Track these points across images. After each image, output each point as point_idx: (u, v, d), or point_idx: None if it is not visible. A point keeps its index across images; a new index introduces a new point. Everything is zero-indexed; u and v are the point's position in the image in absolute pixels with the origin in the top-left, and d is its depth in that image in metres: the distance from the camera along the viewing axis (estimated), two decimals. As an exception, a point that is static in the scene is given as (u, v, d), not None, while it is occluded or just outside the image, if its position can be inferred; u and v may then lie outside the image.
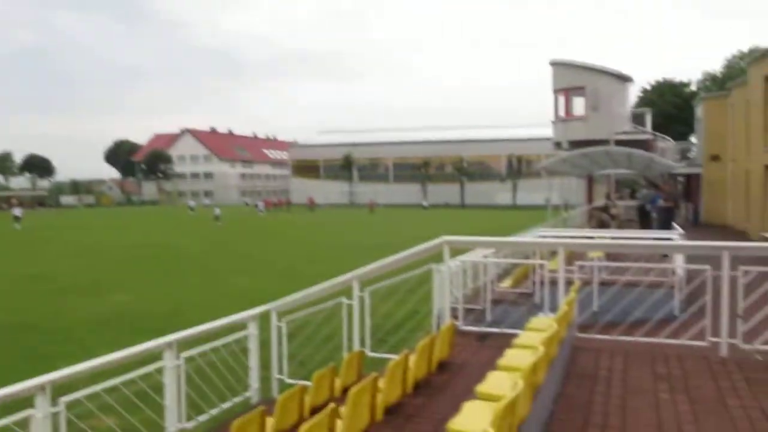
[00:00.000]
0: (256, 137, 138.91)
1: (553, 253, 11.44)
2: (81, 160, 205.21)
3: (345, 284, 7.69)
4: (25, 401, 4.53)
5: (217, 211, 57.74)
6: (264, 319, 7.59)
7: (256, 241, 37.18)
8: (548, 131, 39.68)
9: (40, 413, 4.45)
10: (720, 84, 57.71)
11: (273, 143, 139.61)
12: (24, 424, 4.43)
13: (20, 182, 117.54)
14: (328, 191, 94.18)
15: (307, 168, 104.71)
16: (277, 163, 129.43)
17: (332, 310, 7.99)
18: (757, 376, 5.98)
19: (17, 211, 50.57)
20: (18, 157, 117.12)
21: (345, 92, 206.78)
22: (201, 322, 6.69)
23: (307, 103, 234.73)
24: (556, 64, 34.92)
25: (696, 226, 35.71)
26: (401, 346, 9.43)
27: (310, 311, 7.92)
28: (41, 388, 4.49)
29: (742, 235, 29.35)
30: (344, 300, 7.65)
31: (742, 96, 32.24)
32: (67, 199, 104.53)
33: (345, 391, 5.86)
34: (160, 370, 5.78)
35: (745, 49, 64.55)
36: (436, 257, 7.88)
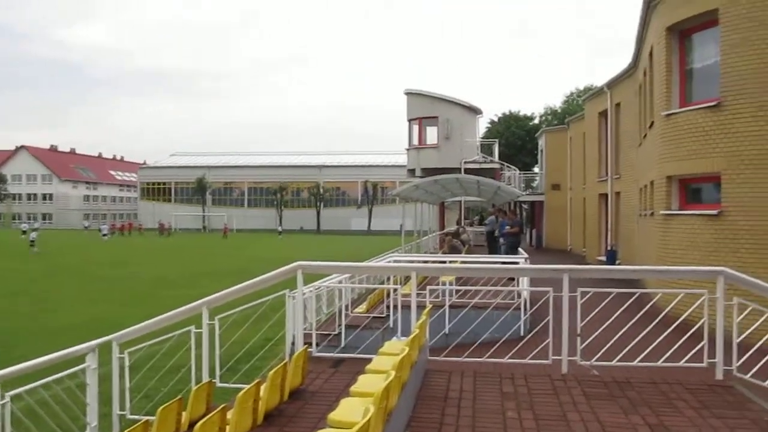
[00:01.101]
0: (101, 157, 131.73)
1: (406, 278, 11.67)
2: None
3: (193, 312, 7.37)
4: None
5: (33, 235, 50.79)
6: (105, 351, 7.11)
7: (96, 267, 35.09)
8: (403, 158, 40.78)
9: None
10: (560, 118, 62.08)
11: (121, 164, 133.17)
12: None
13: None
14: (180, 215, 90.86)
15: (157, 191, 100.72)
16: (125, 185, 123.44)
17: (180, 340, 7.63)
18: (595, 390, 6.35)
19: None
20: None
21: (200, 113, 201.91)
22: (32, 357, 6.15)
23: (159, 123, 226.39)
24: (410, 94, 36.02)
25: (540, 251, 37.93)
26: (254, 374, 9.20)
27: (156, 341, 7.52)
28: None
29: (581, 259, 31.48)
30: (193, 329, 7.32)
31: (579, 130, 34.81)
32: None
33: (192, 424, 5.57)
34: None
35: (582, 86, 70.09)
36: (291, 282, 7.76)
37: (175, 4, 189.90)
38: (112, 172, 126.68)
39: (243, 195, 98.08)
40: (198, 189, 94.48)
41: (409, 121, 35.91)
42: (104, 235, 66.94)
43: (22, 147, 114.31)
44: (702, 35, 14.99)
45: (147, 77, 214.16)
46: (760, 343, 6.87)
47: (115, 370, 7.21)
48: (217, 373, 7.40)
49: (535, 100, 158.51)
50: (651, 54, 17.83)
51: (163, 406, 5.41)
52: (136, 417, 6.79)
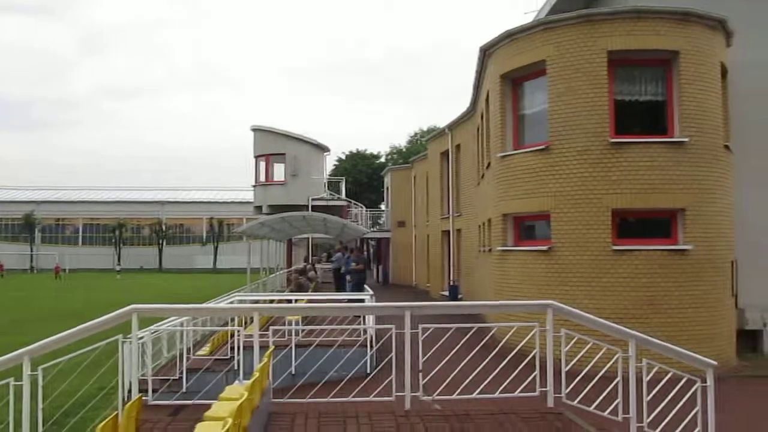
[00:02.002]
0: None
1: (252, 318, 11.44)
2: None
3: (13, 362, 6.74)
4: None
5: None
6: None
7: None
8: (250, 195, 40.28)
9: None
10: (405, 157, 64.21)
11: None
12: None
13: None
14: (4, 254, 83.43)
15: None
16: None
17: (-3, 394, 6.93)
18: (436, 425, 6.49)
19: None
20: None
21: (29, 145, 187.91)
22: None
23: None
24: (257, 130, 35.81)
25: (386, 287, 38.65)
26: (83, 428, 8.55)
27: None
28: None
29: (426, 294, 32.41)
30: (12, 381, 6.68)
31: (423, 169, 36.15)
32: None
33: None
34: None
35: (426, 127, 73.04)
36: (127, 327, 7.33)
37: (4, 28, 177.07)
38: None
39: (77, 232, 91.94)
40: (25, 225, 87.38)
41: (256, 157, 35.66)
42: None
43: None
44: (532, 83, 16.19)
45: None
46: (586, 370, 7.37)
47: None
48: (40, 429, 6.79)
49: (381, 140, 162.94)
50: (487, 99, 18.96)
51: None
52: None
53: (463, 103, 33.28)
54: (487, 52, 17.69)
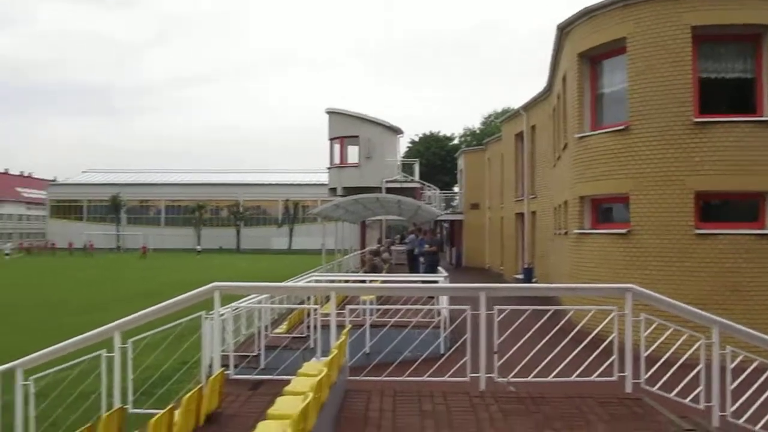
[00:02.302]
0: (7, 173, 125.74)
1: (327, 297, 11.63)
2: None
3: (105, 335, 7.10)
4: None
5: None
6: (6, 379, 6.74)
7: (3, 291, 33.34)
8: (325, 177, 40.78)
9: None
10: (479, 139, 63.58)
11: (28, 180, 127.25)
12: None
13: None
14: (92, 234, 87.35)
15: (68, 209, 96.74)
16: (33, 203, 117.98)
17: (91, 365, 7.32)
18: (511, 406, 6.48)
19: None
20: None
21: (114, 128, 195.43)
22: None
23: (71, 140, 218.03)
24: (332, 113, 36.10)
25: (459, 269, 38.53)
26: (169, 398, 8.91)
27: (64, 366, 7.18)
28: None
29: (500, 277, 32.17)
30: (104, 353, 7.04)
31: (497, 150, 35.73)
32: None
33: (102, 453, 5.35)
34: None
35: (500, 108, 72.03)
36: (209, 304, 7.60)
37: (84, 17, 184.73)
38: (19, 189, 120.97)
39: (160, 213, 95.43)
40: (112, 207, 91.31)
41: (331, 140, 35.96)
42: (6, 254, 63.75)
43: None
44: (611, 62, 15.73)
45: (57, 91, 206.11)
46: (666, 356, 7.18)
47: (19, 397, 6.84)
48: (130, 398, 7.14)
49: (454, 122, 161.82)
50: (564, 78, 18.53)
51: (70, 436, 5.18)
52: (41, 447, 6.47)
53: (538, 84, 32.57)
54: (564, 31, 17.27)
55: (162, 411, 4.96)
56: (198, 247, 79.95)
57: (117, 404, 6.90)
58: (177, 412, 5.17)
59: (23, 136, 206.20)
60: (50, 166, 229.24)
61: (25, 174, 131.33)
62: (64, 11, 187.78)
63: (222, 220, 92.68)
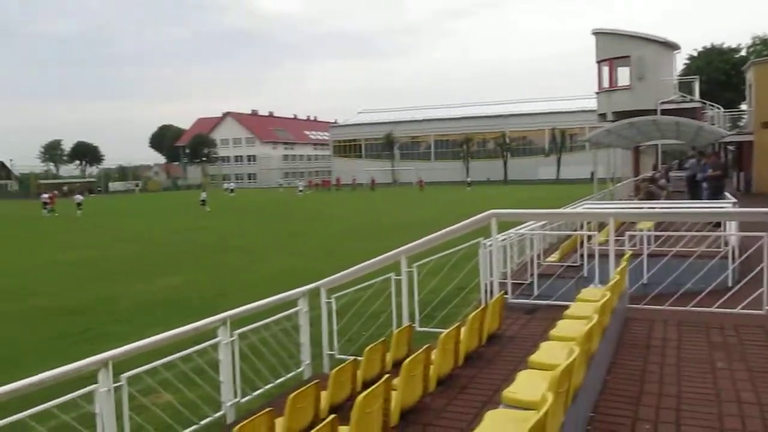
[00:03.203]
0: (296, 118, 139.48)
1: (600, 225, 11.32)
2: (127, 145, 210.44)
3: (393, 260, 7.72)
4: (87, 378, 4.69)
5: (203, 195, 52.94)
6: (313, 297, 7.68)
7: (300, 223, 37.50)
8: (592, 103, 39.06)
9: (103, 387, 4.60)
10: (772, 47, 55.82)
11: (314, 124, 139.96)
12: (89, 398, 4.59)
13: (70, 170, 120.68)
14: (370, 170, 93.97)
15: (348, 148, 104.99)
16: (319, 144, 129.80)
17: (380, 287, 8.04)
18: (818, 343, 5.86)
19: (79, 198, 51.92)
20: (67, 145, 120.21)
21: (383, 71, 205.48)
22: (247, 302, 6.76)
23: (345, 83, 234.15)
24: (599, 34, 34.16)
25: (748, 195, 34.78)
26: (448, 321, 9.49)
27: (358, 288, 7.99)
28: (104, 363, 4.64)
29: (798, 204, 28.49)
30: (393, 276, 7.68)
31: (795, 59, 31.13)
32: (115, 185, 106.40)
33: (396, 365, 5.92)
34: (214, 347, 5.91)
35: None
36: (482, 232, 7.86)
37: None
38: (307, 132, 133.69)
39: (429, 148, 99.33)
40: (386, 144, 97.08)
41: (598, 62, 34.13)
42: (300, 191, 71.38)
43: (228, 113, 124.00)
44: None
45: (333, 40, 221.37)
46: None
47: (324, 313, 7.76)
48: (417, 317, 7.74)
49: (740, 30, 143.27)
50: None
51: (369, 347, 5.79)
52: (343, 357, 7.31)
53: None
54: None
55: (449, 329, 5.33)
56: (468, 179, 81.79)
57: (405, 323, 7.53)
58: (462, 330, 5.51)
59: (308, 82, 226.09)
60: (331, 109, 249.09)
61: (311, 118, 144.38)
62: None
63: (488, 152, 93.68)
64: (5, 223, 43.94)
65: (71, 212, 48.50)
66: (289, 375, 7.11)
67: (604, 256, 7.42)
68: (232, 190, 75.76)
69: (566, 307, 5.85)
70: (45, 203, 51.17)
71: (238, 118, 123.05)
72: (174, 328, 5.64)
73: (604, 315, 4.60)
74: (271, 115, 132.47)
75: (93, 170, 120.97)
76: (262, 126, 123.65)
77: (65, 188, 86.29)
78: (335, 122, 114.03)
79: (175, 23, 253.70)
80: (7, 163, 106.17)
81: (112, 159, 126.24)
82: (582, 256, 11.62)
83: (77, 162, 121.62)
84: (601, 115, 34.83)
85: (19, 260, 24.61)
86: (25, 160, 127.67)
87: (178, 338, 5.51)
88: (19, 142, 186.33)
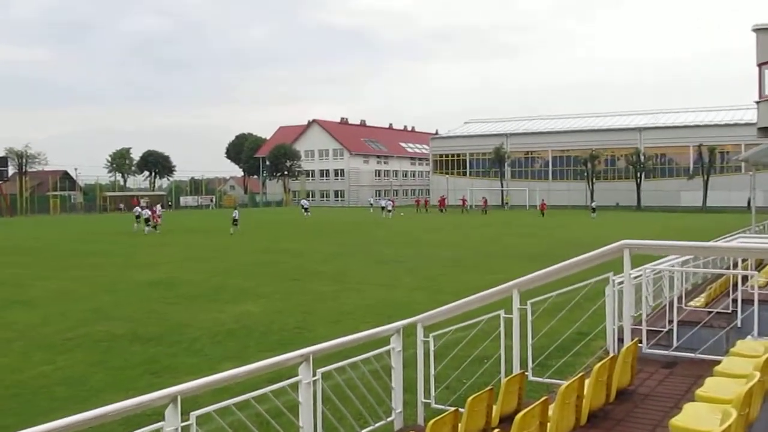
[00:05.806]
0: (391, 128, 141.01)
1: (760, 264, 10.80)
2: (201, 154, 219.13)
3: (503, 294, 7.63)
4: (152, 415, 4.83)
5: (235, 213, 51.08)
6: (408, 334, 7.67)
7: (396, 248, 37.77)
8: (750, 115, 37.52)
9: (170, 426, 4.73)
10: None
11: (411, 135, 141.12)
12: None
13: (138, 181, 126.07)
14: (475, 190, 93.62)
15: (450, 163, 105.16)
16: (417, 158, 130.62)
17: (487, 326, 7.95)
18: None
19: (153, 211, 53.05)
20: (135, 154, 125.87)
21: (493, 74, 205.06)
22: (332, 337, 6.82)
23: (449, 88, 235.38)
24: (761, 30, 32.93)
25: None
26: (567, 372, 9.27)
27: (461, 325, 7.92)
28: (173, 399, 4.77)
29: None
30: (502, 313, 7.58)
31: None
32: (186, 200, 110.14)
33: (503, 420, 5.82)
34: (294, 387, 5.98)
35: None
36: (611, 266, 7.66)
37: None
38: (403, 144, 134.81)
39: (546, 166, 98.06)
40: (495, 160, 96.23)
41: (759, 65, 32.87)
42: (389, 211, 71.66)
43: (314, 121, 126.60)
44: None
45: (432, 40, 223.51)
46: None
47: (420, 354, 7.73)
48: (529, 365, 7.60)
49: None
50: None
51: (473, 396, 5.71)
52: (441, 406, 7.25)
53: None
54: None
55: (570, 380, 5.19)
56: (592, 203, 79.78)
57: (515, 370, 7.40)
58: (587, 382, 5.36)
59: (406, 87, 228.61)
60: (430, 117, 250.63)
61: (408, 128, 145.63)
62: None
63: (618, 171, 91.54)
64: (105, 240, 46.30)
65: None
66: (377, 424, 7.10)
67: (765, 302, 7.07)
68: (306, 209, 73.52)
69: (716, 362, 5.60)
70: (147, 219, 50.58)
71: (326, 126, 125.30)
72: (250, 362, 5.75)
73: (766, 374, 4.37)
74: (362, 124, 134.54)
75: (163, 182, 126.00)
76: (352, 136, 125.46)
77: (145, 201, 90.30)
78: (436, 133, 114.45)
79: (257, 22, 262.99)
80: (72, 173, 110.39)
81: (183, 170, 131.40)
82: (735, 301, 11.11)
83: (146, 173, 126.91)
84: (762, 129, 33.47)
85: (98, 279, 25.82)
86: (90, 170, 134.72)
87: (254, 374, 5.62)
88: (84, 147, 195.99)
